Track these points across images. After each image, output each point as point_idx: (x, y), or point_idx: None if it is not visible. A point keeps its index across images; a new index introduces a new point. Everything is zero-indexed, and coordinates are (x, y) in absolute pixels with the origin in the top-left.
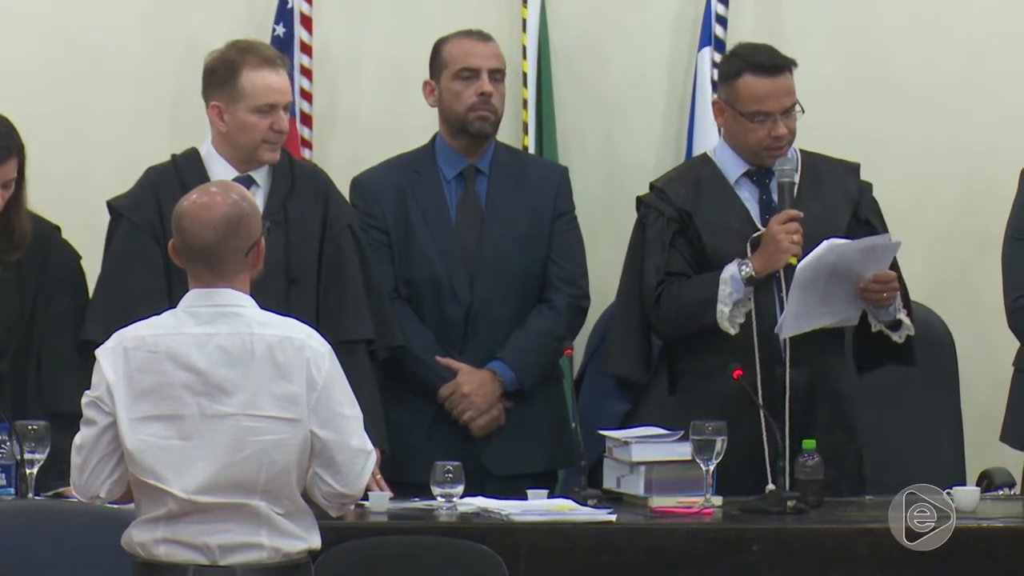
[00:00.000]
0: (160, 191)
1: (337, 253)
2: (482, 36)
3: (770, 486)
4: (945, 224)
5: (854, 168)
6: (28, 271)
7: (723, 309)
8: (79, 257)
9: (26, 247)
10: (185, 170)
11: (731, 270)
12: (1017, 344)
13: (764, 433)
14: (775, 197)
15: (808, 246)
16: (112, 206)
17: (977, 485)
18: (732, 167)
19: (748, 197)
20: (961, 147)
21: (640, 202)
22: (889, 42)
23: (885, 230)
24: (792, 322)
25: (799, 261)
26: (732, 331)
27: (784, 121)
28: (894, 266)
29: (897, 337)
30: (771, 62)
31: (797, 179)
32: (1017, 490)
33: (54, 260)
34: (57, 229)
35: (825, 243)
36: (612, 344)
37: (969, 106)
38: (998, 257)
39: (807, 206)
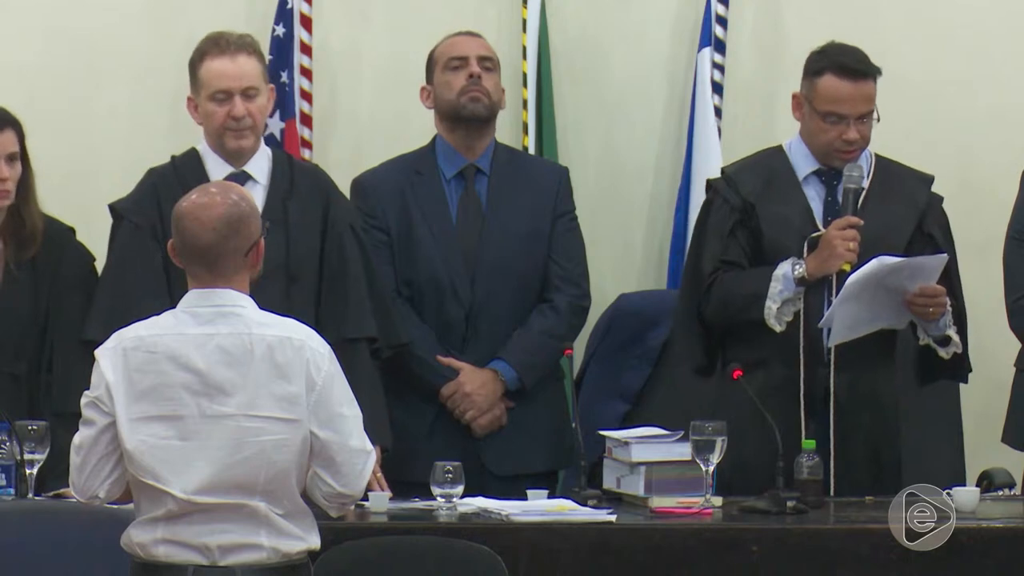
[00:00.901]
0: (160, 191)
1: (339, 251)
2: (470, 33)
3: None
4: None
5: (928, 179)
6: (43, 272)
7: (771, 306)
8: (93, 259)
9: (39, 243)
10: (184, 170)
11: (784, 268)
12: (1018, 345)
13: (803, 430)
14: (840, 199)
15: (867, 252)
16: (113, 208)
17: (977, 486)
18: (803, 163)
19: (814, 196)
20: (961, 148)
21: (709, 186)
22: (889, 42)
23: (949, 244)
24: (840, 332)
25: (853, 269)
26: (778, 328)
27: (857, 126)
28: (953, 285)
29: (944, 353)
30: (855, 66)
31: (867, 184)
32: (1017, 491)
33: (68, 261)
34: (72, 231)
35: (875, 260)
36: (674, 328)
37: (968, 107)
38: (999, 258)
39: (873, 212)
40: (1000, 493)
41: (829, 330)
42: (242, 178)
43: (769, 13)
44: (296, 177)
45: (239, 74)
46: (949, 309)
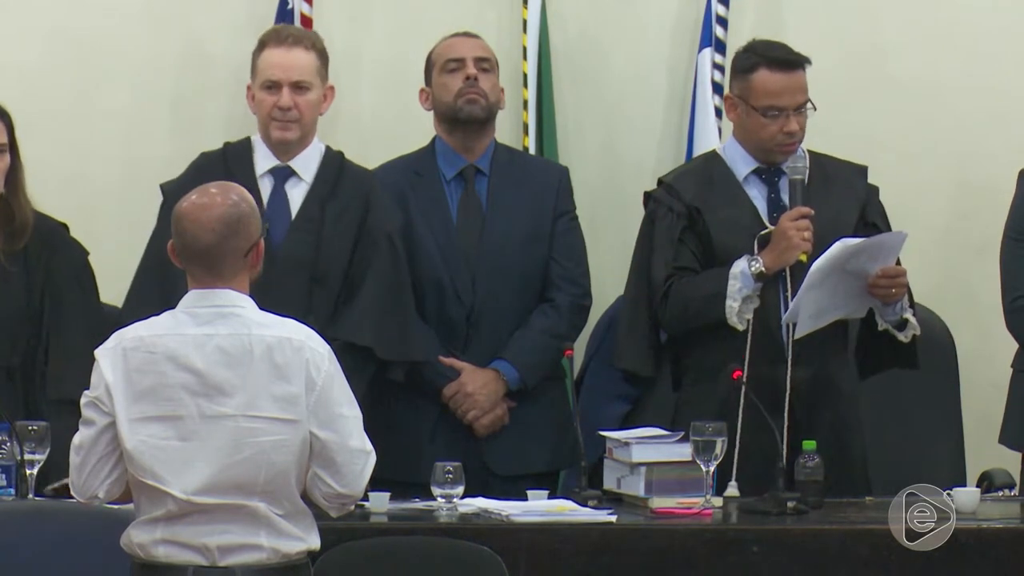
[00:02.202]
0: (204, 175)
1: (366, 259)
2: (467, 33)
3: (731, 486)
4: (944, 225)
5: (862, 170)
6: (35, 267)
7: (732, 304)
8: (86, 253)
9: (29, 234)
10: (232, 156)
11: (741, 266)
12: (1016, 345)
13: (770, 433)
14: (783, 195)
15: (816, 246)
16: (162, 188)
17: (977, 486)
18: (741, 164)
19: (756, 195)
20: (959, 148)
21: (648, 197)
22: (888, 43)
23: None
24: (806, 322)
25: (809, 259)
26: (740, 327)
27: (796, 117)
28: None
29: (903, 337)
30: (786, 57)
31: (806, 178)
32: (1017, 491)
33: (61, 256)
34: (64, 227)
35: (838, 243)
36: (620, 338)
37: (968, 107)
38: (997, 258)
39: (816, 206)
40: (1000, 494)
41: (789, 327)
42: (286, 173)
43: (769, 14)
44: (342, 179)
45: (290, 66)
46: (906, 293)
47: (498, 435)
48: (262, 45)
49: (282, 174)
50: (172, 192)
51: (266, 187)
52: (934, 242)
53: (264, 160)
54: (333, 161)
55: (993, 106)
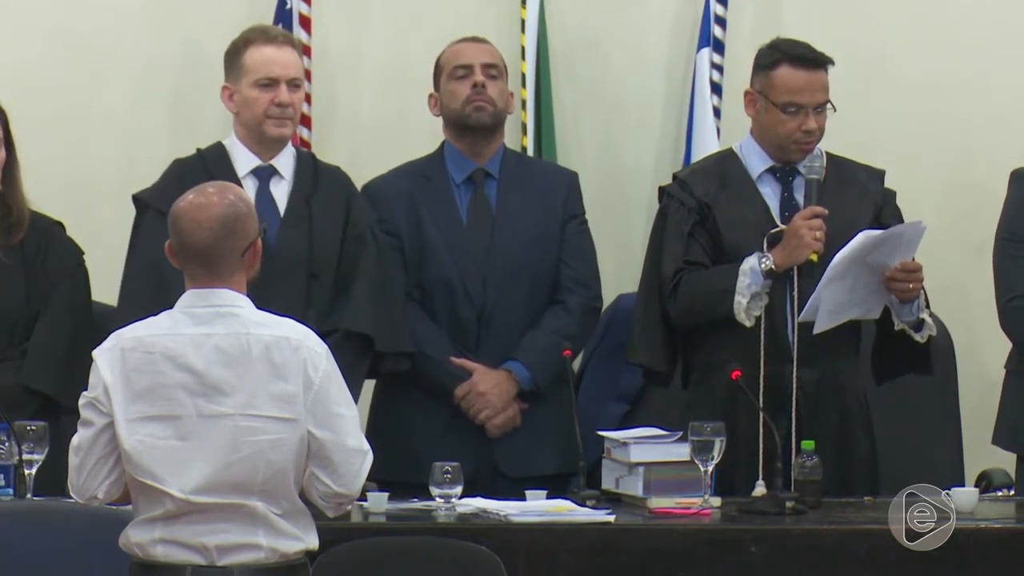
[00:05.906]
0: (186, 181)
1: (355, 253)
2: (476, 39)
3: (759, 485)
4: (942, 225)
5: (879, 174)
6: (33, 263)
7: (740, 300)
8: (82, 253)
9: (25, 229)
10: (211, 161)
11: (751, 262)
12: (1011, 345)
13: (761, 433)
14: (797, 195)
15: (828, 246)
16: (138, 197)
17: (976, 486)
18: (756, 162)
19: (769, 193)
20: (958, 148)
21: (663, 192)
22: (887, 44)
23: None
24: (825, 318)
25: (820, 259)
26: (748, 323)
27: (815, 116)
28: None
29: (920, 337)
30: (809, 55)
31: (822, 178)
32: (1014, 491)
33: (56, 252)
34: (60, 225)
35: (861, 234)
36: (634, 333)
37: (965, 108)
38: None
39: (830, 207)
40: (999, 494)
41: (795, 327)
42: (268, 172)
43: (768, 14)
44: (320, 176)
45: (286, 63)
46: (922, 293)
47: (509, 437)
48: (247, 43)
49: (265, 173)
50: (152, 199)
51: (250, 187)
52: (931, 242)
53: (245, 161)
54: (307, 159)
55: (993, 106)
